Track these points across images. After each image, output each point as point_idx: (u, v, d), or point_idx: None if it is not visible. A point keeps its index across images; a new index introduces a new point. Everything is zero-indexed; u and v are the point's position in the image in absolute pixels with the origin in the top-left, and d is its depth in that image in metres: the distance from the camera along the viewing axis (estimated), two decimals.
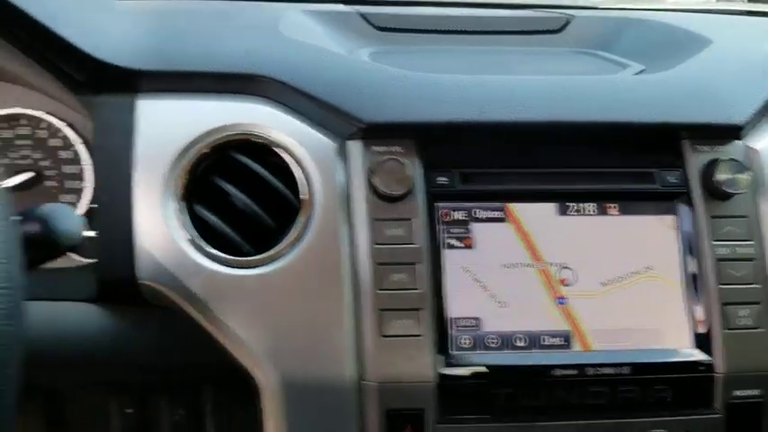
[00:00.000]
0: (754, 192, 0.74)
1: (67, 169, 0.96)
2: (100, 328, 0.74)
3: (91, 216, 0.79)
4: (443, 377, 0.65)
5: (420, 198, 0.68)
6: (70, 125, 0.95)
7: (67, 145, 0.96)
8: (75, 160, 0.96)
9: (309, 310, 0.66)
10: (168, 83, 0.78)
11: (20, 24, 0.72)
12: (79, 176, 0.95)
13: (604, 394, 0.67)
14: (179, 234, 0.69)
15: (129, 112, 0.76)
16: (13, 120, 0.95)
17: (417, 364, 0.65)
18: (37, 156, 0.95)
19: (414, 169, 0.69)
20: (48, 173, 0.95)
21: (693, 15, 1.13)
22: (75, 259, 0.85)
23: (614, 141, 0.77)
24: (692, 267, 0.70)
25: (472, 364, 0.66)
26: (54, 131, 0.96)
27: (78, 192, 0.95)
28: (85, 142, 0.95)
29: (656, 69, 0.85)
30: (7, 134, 0.96)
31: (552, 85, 0.75)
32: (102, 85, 0.78)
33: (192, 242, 0.68)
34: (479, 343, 0.68)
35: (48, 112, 0.94)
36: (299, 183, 0.71)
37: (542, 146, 0.73)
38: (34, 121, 0.95)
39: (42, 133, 0.96)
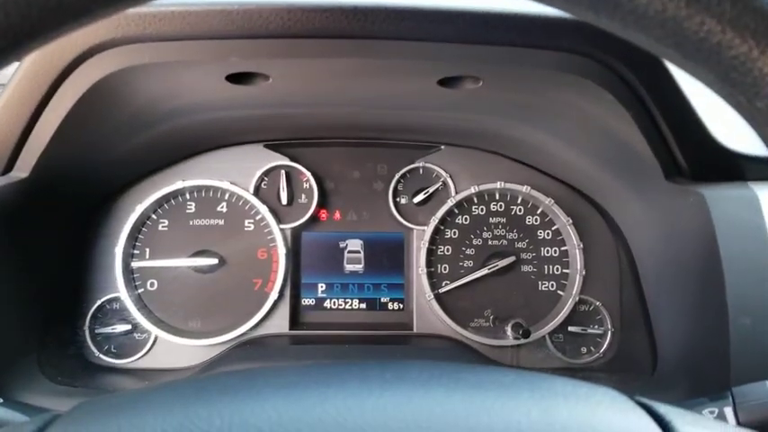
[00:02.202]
0: None
1: (546, 252, 0.83)
2: None
3: None
4: None
5: None
6: (559, 203, 0.82)
7: (547, 224, 0.83)
8: (556, 242, 0.83)
9: None
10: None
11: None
12: (557, 261, 0.83)
13: None
14: None
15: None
16: (488, 195, 0.83)
17: None
18: (512, 236, 0.83)
19: None
20: (524, 256, 0.83)
21: None
22: None
23: None
24: None
25: None
26: (531, 208, 0.83)
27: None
28: (575, 223, 0.82)
29: None
30: (478, 210, 0.84)
31: None
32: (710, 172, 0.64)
33: None
34: None
35: (533, 188, 0.81)
36: None
37: None
38: (509, 197, 0.83)
39: (517, 210, 0.84)
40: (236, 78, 0.62)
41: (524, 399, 0.34)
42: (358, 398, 0.33)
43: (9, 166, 0.64)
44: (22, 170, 0.65)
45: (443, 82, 0.62)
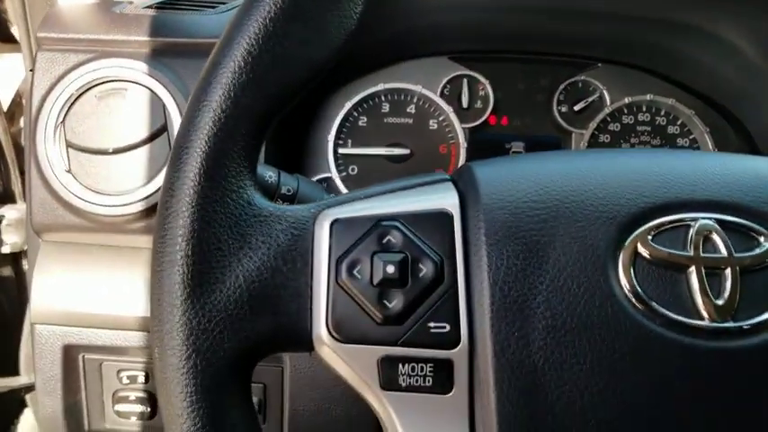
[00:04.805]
0: None
1: None
2: None
3: None
4: None
5: None
6: (698, 115, 0.96)
7: (686, 134, 0.98)
8: (694, 148, 0.98)
9: None
10: None
11: None
12: None
13: None
14: None
15: None
16: (636, 106, 0.98)
17: None
18: (656, 143, 0.98)
19: None
20: None
21: None
22: None
23: None
24: None
25: None
26: (673, 119, 0.98)
27: None
28: (711, 132, 0.96)
29: None
30: (628, 120, 0.98)
31: None
32: None
33: None
34: None
35: (677, 101, 0.96)
36: None
37: None
38: (655, 109, 0.98)
39: (661, 120, 0.98)
40: None
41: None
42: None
43: None
44: None
45: None
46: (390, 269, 0.44)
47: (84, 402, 0.84)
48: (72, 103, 0.77)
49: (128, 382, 0.84)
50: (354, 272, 0.44)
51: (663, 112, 1.00)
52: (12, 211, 1.17)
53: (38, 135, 0.76)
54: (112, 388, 0.84)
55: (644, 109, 1.00)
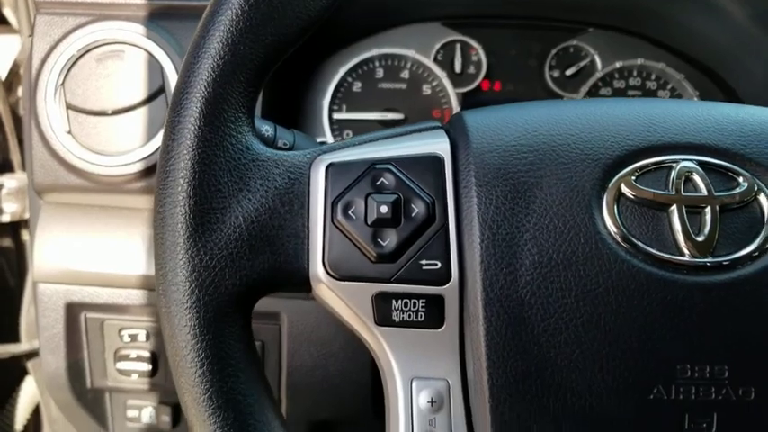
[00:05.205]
0: None
1: None
2: None
3: None
4: None
5: None
6: (689, 79, 0.98)
7: (676, 98, 0.99)
8: None
9: None
10: None
11: None
12: None
13: None
14: None
15: None
16: (627, 71, 0.99)
17: None
18: None
19: None
20: None
21: None
22: None
23: None
24: None
25: None
26: (663, 83, 0.99)
27: None
28: (700, 95, 0.98)
29: None
30: (619, 85, 1.00)
31: None
32: None
33: None
34: None
35: (667, 65, 0.98)
36: None
37: None
38: (645, 73, 0.99)
39: (651, 85, 1.00)
40: None
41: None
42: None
43: None
44: None
45: None
46: (384, 209, 0.45)
47: (86, 360, 0.86)
48: (71, 66, 0.78)
49: (129, 340, 0.85)
50: (349, 212, 0.46)
51: (653, 77, 1.01)
52: (11, 181, 1.19)
53: (38, 97, 0.78)
54: (114, 346, 0.86)
55: (635, 73, 1.01)
